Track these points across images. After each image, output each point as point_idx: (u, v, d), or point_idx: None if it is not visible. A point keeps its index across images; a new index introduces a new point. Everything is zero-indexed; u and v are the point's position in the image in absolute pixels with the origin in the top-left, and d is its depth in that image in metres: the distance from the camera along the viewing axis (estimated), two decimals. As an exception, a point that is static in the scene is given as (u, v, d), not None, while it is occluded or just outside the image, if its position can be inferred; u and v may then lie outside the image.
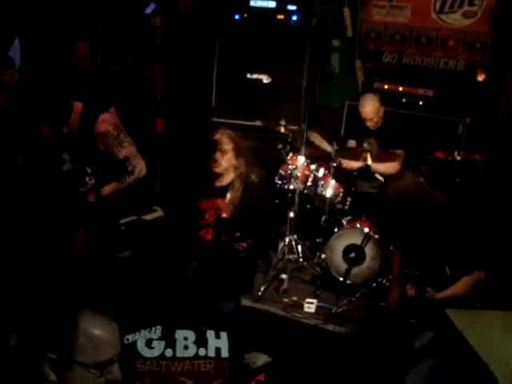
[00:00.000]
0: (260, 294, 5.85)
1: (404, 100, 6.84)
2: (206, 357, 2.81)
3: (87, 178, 4.78)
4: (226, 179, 4.79)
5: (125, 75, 7.63)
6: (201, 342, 2.82)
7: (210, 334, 2.85)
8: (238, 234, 4.63)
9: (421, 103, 6.77)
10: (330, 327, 5.54)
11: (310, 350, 5.44)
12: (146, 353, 2.78)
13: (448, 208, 4.26)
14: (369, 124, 6.23)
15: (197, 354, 2.81)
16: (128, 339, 2.78)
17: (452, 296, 4.18)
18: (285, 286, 6.02)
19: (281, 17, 6.95)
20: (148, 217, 7.62)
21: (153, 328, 2.82)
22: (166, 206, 7.81)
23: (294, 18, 6.92)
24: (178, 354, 2.79)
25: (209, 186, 4.82)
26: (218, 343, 2.85)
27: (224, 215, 4.71)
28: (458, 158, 5.82)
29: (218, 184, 4.80)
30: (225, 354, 2.83)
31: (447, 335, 3.70)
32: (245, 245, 4.63)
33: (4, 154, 5.60)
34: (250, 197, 4.74)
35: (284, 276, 6.06)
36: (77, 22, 7.43)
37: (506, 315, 3.81)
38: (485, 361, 3.17)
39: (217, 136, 4.76)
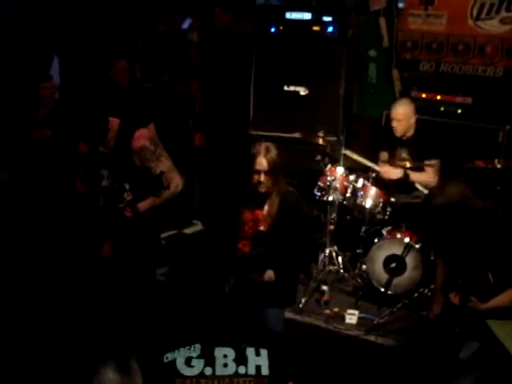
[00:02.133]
0: (301, 305, 5.85)
1: (442, 108, 6.76)
2: (245, 375, 2.80)
3: (125, 194, 4.81)
4: (267, 190, 4.80)
5: (163, 90, 7.69)
6: (240, 359, 2.82)
7: (250, 351, 2.85)
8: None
9: (459, 111, 6.69)
10: (372, 338, 5.51)
11: (352, 362, 5.43)
12: (186, 371, 2.78)
13: (491, 216, 4.23)
14: (395, 125, 6.16)
15: (236, 371, 2.80)
16: (167, 358, 2.79)
17: (497, 307, 4.15)
18: (326, 297, 6.01)
19: (317, 28, 6.95)
20: (188, 231, 7.66)
21: (192, 346, 2.82)
22: (205, 220, 7.85)
23: (330, 29, 6.91)
24: (218, 372, 2.79)
25: (248, 196, 4.84)
26: (258, 361, 2.84)
27: (262, 228, 4.72)
28: (499, 166, 5.74)
29: (258, 194, 4.82)
30: (265, 371, 2.82)
31: (490, 346, 3.66)
32: (273, 277, 4.65)
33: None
34: (288, 207, 4.73)
35: (325, 287, 6.04)
36: (115, 38, 7.53)
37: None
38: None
39: (258, 158, 4.75)
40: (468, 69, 6.74)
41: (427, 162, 6.01)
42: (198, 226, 7.90)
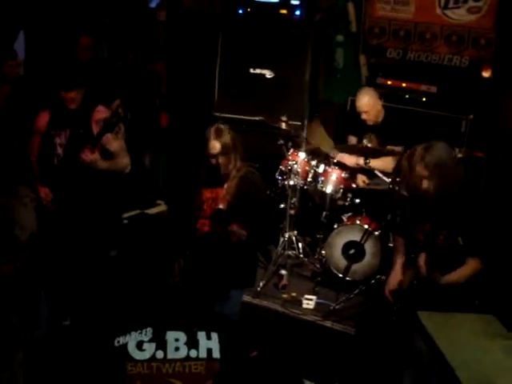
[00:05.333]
0: (259, 289, 5.85)
1: (407, 96, 6.79)
2: (197, 358, 2.78)
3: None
4: (226, 169, 4.80)
5: (130, 69, 7.63)
6: (192, 343, 2.80)
7: (201, 335, 2.83)
8: (234, 227, 4.65)
9: (424, 99, 6.72)
10: (329, 324, 5.53)
11: (308, 347, 5.45)
12: (137, 355, 2.75)
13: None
14: (365, 118, 6.23)
15: (188, 355, 2.78)
16: (119, 341, 2.77)
17: (456, 281, 4.20)
18: (284, 281, 6.01)
19: (284, 11, 6.93)
20: (151, 211, 7.62)
21: (143, 330, 2.80)
22: (169, 200, 7.82)
23: (297, 12, 6.89)
24: (169, 356, 2.77)
25: (207, 175, 4.85)
26: (209, 344, 2.82)
27: (220, 206, 4.73)
28: (460, 156, 5.79)
29: (217, 174, 4.83)
30: (216, 354, 2.81)
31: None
32: (244, 232, 4.64)
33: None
34: (247, 185, 4.75)
35: (283, 272, 6.04)
36: (82, 15, 7.45)
37: (477, 318, 3.83)
38: (451, 364, 3.17)
39: (210, 141, 4.78)
40: (434, 57, 6.75)
41: (391, 148, 6.02)
42: (161, 207, 7.87)
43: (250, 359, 2.94)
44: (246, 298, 5.64)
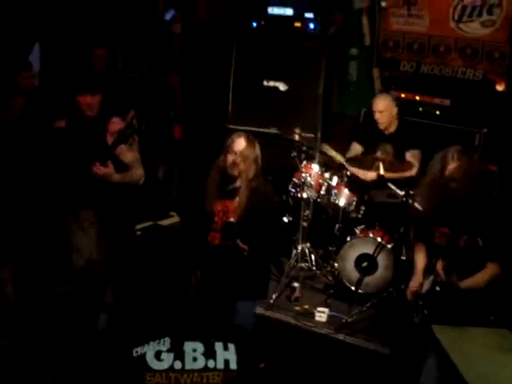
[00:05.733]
0: (272, 301, 5.83)
1: (421, 109, 6.81)
2: (214, 369, 2.78)
3: None
4: (239, 182, 4.81)
5: (144, 81, 7.67)
6: (209, 353, 2.80)
7: (219, 345, 2.83)
8: (241, 244, 4.68)
9: (438, 113, 6.73)
10: (341, 337, 5.50)
11: (320, 360, 5.44)
12: (155, 365, 2.75)
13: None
14: (378, 118, 6.20)
15: (206, 365, 2.78)
16: (137, 351, 2.77)
17: (475, 285, 4.25)
18: (297, 294, 5.99)
19: (298, 25, 6.97)
20: (164, 222, 7.64)
21: (161, 340, 2.80)
22: (182, 212, 7.84)
23: (311, 26, 6.93)
24: (187, 367, 2.76)
25: (221, 188, 4.86)
26: (227, 355, 2.82)
27: (231, 219, 4.73)
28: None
29: (230, 187, 4.82)
30: (233, 365, 2.80)
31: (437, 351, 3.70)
32: (246, 247, 4.66)
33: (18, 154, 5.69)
34: (257, 198, 4.76)
35: (296, 284, 6.02)
36: (97, 26, 7.51)
37: (491, 332, 3.82)
38: (465, 378, 3.17)
39: (237, 139, 4.80)
40: (448, 71, 6.77)
41: (409, 154, 6.06)
42: (174, 218, 7.89)
43: (263, 370, 2.94)
44: (259, 310, 5.64)
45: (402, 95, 6.86)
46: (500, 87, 6.56)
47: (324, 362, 5.42)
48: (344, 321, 5.62)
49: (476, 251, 4.28)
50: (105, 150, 5.06)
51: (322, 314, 5.73)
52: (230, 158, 4.79)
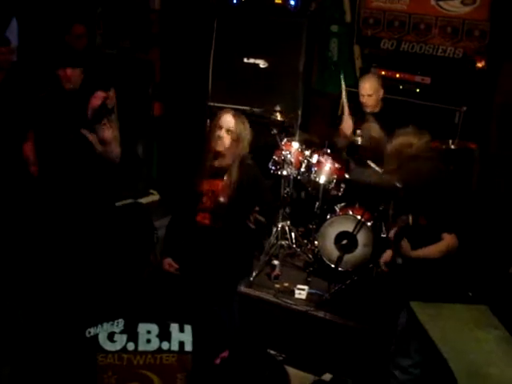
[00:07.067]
0: (252, 279, 5.85)
1: (401, 87, 6.79)
2: (169, 350, 2.77)
3: None
4: (226, 161, 4.77)
5: (123, 58, 7.60)
6: (164, 335, 2.77)
7: (174, 327, 2.80)
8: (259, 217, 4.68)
9: (418, 90, 6.72)
10: (321, 314, 5.53)
11: (300, 336, 5.47)
12: (108, 346, 2.72)
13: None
14: (365, 101, 6.21)
15: (160, 347, 2.75)
16: (90, 332, 2.74)
17: (427, 255, 4.22)
18: (277, 271, 6.01)
19: (279, 1, 6.92)
20: (144, 200, 7.61)
21: (115, 321, 2.77)
22: (162, 190, 7.81)
23: (292, 2, 6.87)
24: (140, 348, 2.74)
25: (207, 167, 4.81)
26: (182, 337, 2.79)
27: (221, 199, 4.70)
28: (453, 147, 5.79)
29: (216, 164, 4.79)
30: (188, 347, 2.78)
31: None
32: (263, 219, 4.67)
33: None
34: (248, 179, 4.73)
35: (276, 262, 6.04)
36: (75, 3, 7.40)
37: (469, 308, 3.85)
38: (444, 355, 3.19)
39: (225, 115, 4.78)
40: (428, 48, 6.74)
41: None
42: (154, 196, 7.87)
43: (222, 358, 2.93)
44: (242, 288, 5.68)
45: (383, 73, 6.83)
46: (480, 65, 6.56)
47: (304, 339, 5.46)
48: (324, 298, 5.66)
49: (431, 229, 4.27)
50: (85, 122, 5.03)
51: (301, 292, 5.76)
52: (217, 133, 4.73)
